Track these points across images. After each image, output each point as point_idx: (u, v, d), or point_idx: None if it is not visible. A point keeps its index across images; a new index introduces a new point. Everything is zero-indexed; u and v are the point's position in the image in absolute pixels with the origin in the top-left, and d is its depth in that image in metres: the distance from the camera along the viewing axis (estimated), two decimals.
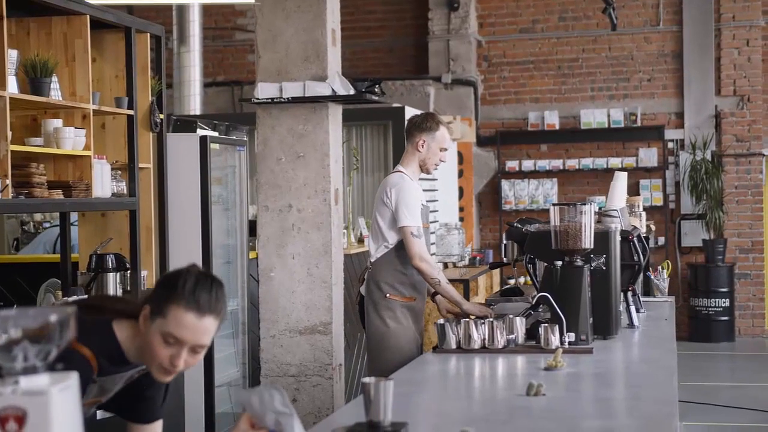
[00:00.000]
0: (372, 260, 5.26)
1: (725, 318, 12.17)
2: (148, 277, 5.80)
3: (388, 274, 5.18)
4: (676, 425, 2.89)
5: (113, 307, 2.73)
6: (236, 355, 6.85)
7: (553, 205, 4.45)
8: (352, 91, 5.82)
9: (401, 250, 5.14)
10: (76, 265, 5.68)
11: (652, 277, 6.37)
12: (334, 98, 5.80)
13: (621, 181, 5.47)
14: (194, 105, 10.58)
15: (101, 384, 2.68)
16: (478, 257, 10.87)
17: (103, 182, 5.24)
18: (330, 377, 5.72)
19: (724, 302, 12.14)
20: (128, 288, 5.56)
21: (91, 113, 5.18)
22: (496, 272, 11.00)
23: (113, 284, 5.35)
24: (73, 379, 1.78)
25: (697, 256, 12.55)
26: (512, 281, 12.36)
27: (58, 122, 5.00)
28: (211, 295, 2.58)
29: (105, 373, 2.65)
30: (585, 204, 4.41)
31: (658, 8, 12.66)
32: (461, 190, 12.36)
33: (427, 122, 5.25)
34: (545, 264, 4.54)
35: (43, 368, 1.76)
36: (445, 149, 5.29)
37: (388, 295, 5.16)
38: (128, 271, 5.52)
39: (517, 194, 12.85)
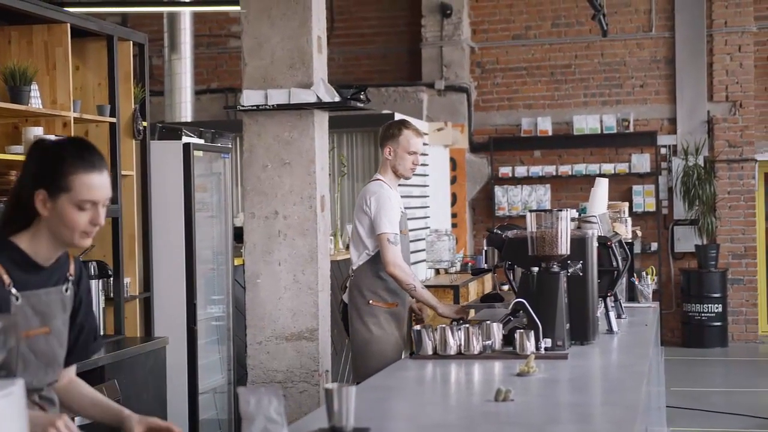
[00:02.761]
0: (354, 267, 5.37)
1: (718, 323, 12.18)
2: (131, 284, 5.81)
3: (370, 281, 5.28)
4: (641, 429, 2.90)
5: (7, 230, 2.71)
6: (221, 361, 6.86)
7: (530, 211, 4.47)
8: (337, 98, 5.84)
9: None
10: None
11: (636, 283, 6.37)
12: (320, 105, 5.82)
13: (601, 187, 5.48)
14: (185, 112, 10.61)
15: (32, 303, 2.66)
16: (470, 263, 10.88)
17: None
18: (316, 383, 5.72)
19: (717, 308, 12.14)
20: (111, 295, 5.57)
21: (72, 121, 5.20)
22: (488, 278, 11.02)
23: (96, 291, 5.37)
24: (17, 386, 1.80)
25: (690, 262, 12.56)
26: (506, 287, 12.37)
27: (38, 130, 5.02)
28: (94, 152, 2.70)
29: (24, 285, 2.65)
30: (561, 210, 4.42)
31: (650, 14, 12.69)
32: (454, 196, 12.39)
33: (390, 129, 5.41)
34: (522, 270, 4.55)
35: None
36: (414, 152, 5.38)
37: (371, 301, 5.26)
38: (111, 278, 5.54)
39: (510, 200, 12.87)
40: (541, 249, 4.40)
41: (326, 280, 5.99)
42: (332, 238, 7.98)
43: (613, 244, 5.03)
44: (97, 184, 2.66)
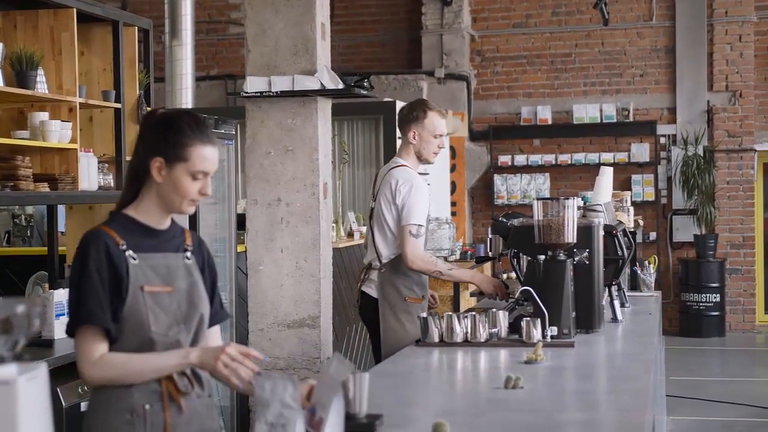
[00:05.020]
0: (383, 260, 5.11)
1: (716, 313, 12.21)
2: None
3: (404, 276, 5.06)
4: (650, 418, 2.92)
5: (120, 204, 2.89)
6: None
7: (537, 199, 4.46)
8: (340, 86, 5.83)
9: None
10: (63, 258, 5.70)
11: (639, 272, 6.39)
12: (323, 92, 5.82)
13: (606, 176, 5.48)
14: (186, 98, 10.51)
15: (150, 264, 2.81)
16: (469, 251, 10.88)
17: (90, 175, 5.25)
18: (318, 371, 5.73)
19: (715, 297, 12.17)
20: None
21: (78, 106, 5.19)
22: (488, 266, 11.03)
23: None
24: (41, 369, 1.80)
25: (688, 251, 12.58)
26: (505, 276, 12.39)
27: (44, 115, 5.01)
28: (207, 126, 2.88)
29: (140, 248, 2.80)
30: (568, 199, 4.42)
31: (651, 3, 12.69)
32: (453, 185, 12.39)
33: (413, 112, 5.16)
34: (528, 258, 4.55)
35: (11, 358, 1.78)
36: (440, 135, 5.15)
37: (407, 298, 5.06)
38: None
39: (509, 189, 12.88)
40: (548, 237, 4.40)
41: (328, 268, 5.98)
42: (333, 225, 7.98)
43: (618, 233, 5.04)
44: (211, 156, 2.82)
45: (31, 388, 1.76)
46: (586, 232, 4.55)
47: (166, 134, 2.81)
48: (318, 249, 5.81)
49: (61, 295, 5.11)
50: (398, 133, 9.76)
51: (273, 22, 5.87)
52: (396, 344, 5.03)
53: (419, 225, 4.95)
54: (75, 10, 5.17)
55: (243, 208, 7.22)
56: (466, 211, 12.73)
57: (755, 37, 12.54)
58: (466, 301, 9.04)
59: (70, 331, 2.79)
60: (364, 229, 8.29)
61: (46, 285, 5.44)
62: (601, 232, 4.69)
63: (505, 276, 12.15)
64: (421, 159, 5.18)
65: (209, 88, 13.05)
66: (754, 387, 9.57)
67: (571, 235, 4.40)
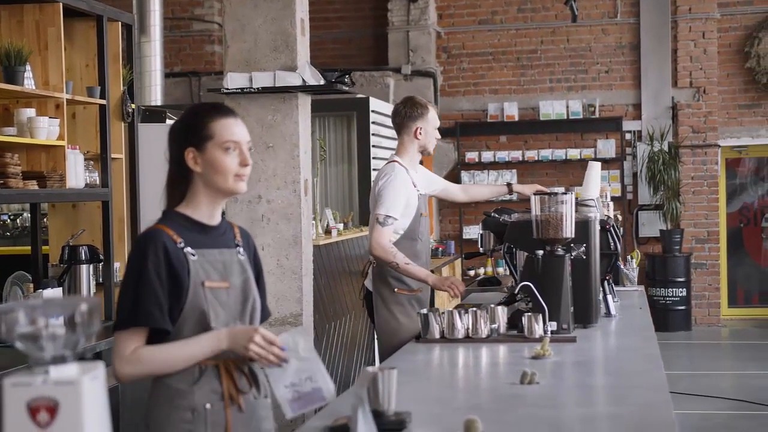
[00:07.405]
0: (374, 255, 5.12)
1: (682, 307, 12.32)
2: (121, 268, 5.72)
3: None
4: (673, 411, 2.92)
5: (169, 205, 2.87)
6: None
7: (534, 194, 4.46)
8: (322, 82, 5.80)
9: (404, 242, 5.07)
10: (46, 258, 5.60)
11: (622, 266, 6.41)
12: (304, 88, 5.78)
13: (595, 170, 5.49)
14: (155, 95, 10.45)
15: (209, 261, 2.80)
16: (440, 248, 10.91)
17: (77, 173, 5.17)
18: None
19: (681, 292, 12.28)
20: (101, 280, 5.48)
21: (65, 103, 5.10)
22: (458, 263, 11.06)
23: (86, 276, 5.28)
24: (100, 369, 1.76)
25: (654, 246, 12.68)
26: (472, 272, 12.42)
27: (31, 111, 4.92)
28: (226, 106, 2.93)
29: (196, 244, 2.79)
30: (566, 193, 4.42)
31: (615, 0, 12.76)
32: None
33: (417, 110, 5.24)
34: (526, 254, 4.54)
35: (72, 357, 1.73)
36: (437, 126, 5.35)
37: (396, 289, 5.11)
38: (101, 263, 5.45)
39: None
40: (546, 232, 4.39)
41: (309, 265, 5.96)
42: (313, 222, 7.93)
43: (610, 227, 5.05)
44: (235, 126, 2.83)
45: (94, 387, 1.72)
46: (583, 226, 4.55)
47: (188, 125, 2.84)
48: (300, 246, 5.78)
49: (50, 295, 5.03)
50: (373, 130, 9.73)
51: (252, 17, 5.82)
52: (390, 336, 5.05)
53: (387, 215, 5.01)
54: (61, 4, 5.08)
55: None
56: (433, 208, 12.73)
57: (718, 34, 12.66)
58: (440, 298, 9.04)
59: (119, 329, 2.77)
60: (341, 226, 8.27)
61: (30, 285, 5.34)
62: (597, 227, 4.70)
63: (472, 273, 12.19)
64: (423, 153, 5.30)
65: (173, 85, 12.90)
66: (723, 380, 9.67)
67: (569, 230, 4.40)
